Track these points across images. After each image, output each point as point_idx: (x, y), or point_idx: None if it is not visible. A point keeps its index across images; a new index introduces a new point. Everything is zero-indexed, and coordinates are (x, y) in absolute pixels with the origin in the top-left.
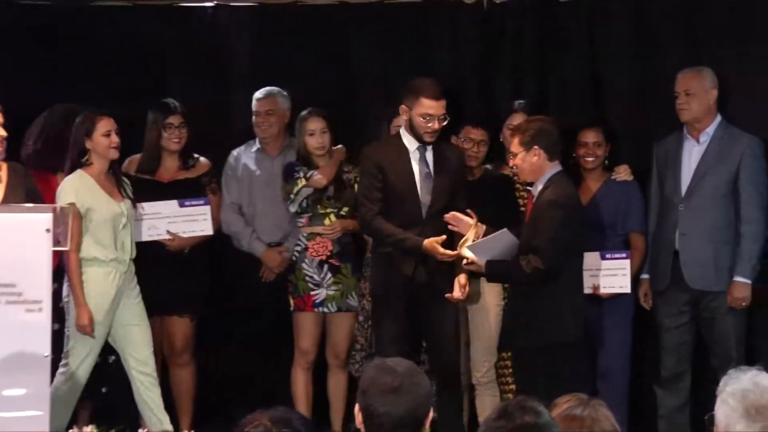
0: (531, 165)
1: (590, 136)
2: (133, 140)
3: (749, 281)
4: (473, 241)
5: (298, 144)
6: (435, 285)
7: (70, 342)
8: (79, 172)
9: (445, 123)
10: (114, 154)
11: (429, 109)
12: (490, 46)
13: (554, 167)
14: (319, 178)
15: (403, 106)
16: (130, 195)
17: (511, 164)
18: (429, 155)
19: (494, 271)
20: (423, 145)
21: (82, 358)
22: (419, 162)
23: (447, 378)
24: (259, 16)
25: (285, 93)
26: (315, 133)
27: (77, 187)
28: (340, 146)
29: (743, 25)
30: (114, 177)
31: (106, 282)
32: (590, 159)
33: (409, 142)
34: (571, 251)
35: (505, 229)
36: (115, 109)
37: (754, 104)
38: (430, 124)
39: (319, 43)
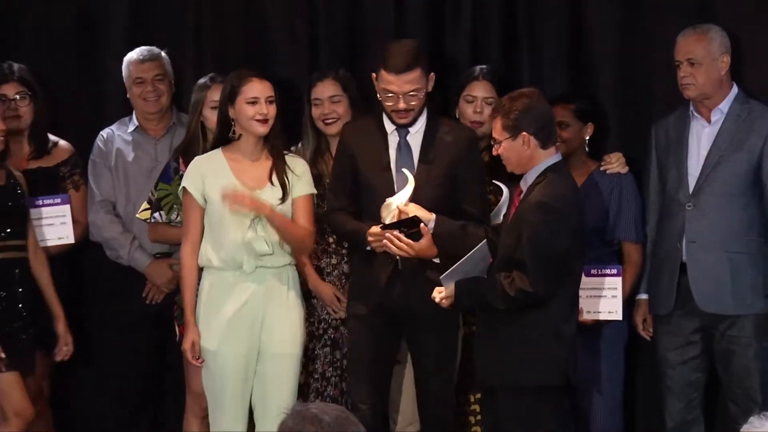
0: (519, 155)
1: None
2: None
3: None
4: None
5: (191, 121)
6: (412, 306)
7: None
8: (216, 151)
9: (414, 102)
10: (258, 129)
11: (389, 85)
12: None
13: (549, 157)
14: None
15: (373, 74)
16: (285, 182)
17: (494, 153)
18: (414, 139)
19: (467, 294)
20: (403, 126)
21: (213, 412)
22: (398, 148)
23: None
24: None
25: (165, 54)
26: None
27: (196, 172)
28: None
29: None
30: (273, 159)
31: (219, 297)
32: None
33: (387, 123)
34: (563, 268)
35: (484, 242)
36: None
37: None
38: (390, 103)
39: None
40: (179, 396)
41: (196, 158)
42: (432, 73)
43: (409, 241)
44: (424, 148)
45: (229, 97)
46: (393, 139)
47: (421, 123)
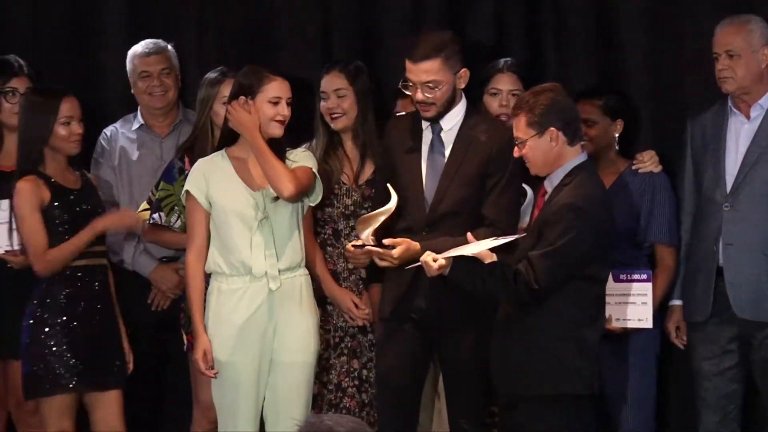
0: (545, 154)
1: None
2: None
3: None
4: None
5: (200, 118)
6: (438, 309)
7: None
8: (219, 153)
9: (431, 95)
10: (276, 130)
11: (408, 73)
12: None
13: (577, 155)
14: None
15: None
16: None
17: (516, 154)
18: (447, 136)
19: (463, 272)
20: (436, 122)
21: (223, 424)
22: (431, 144)
23: None
24: None
25: (172, 47)
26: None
27: (199, 174)
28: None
29: None
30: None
31: (229, 303)
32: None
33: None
34: (584, 272)
35: (524, 235)
36: None
37: None
38: (410, 93)
39: None
40: (184, 407)
41: (199, 161)
42: (465, 69)
43: (389, 252)
44: (456, 146)
45: (249, 93)
46: (427, 135)
47: (456, 119)
